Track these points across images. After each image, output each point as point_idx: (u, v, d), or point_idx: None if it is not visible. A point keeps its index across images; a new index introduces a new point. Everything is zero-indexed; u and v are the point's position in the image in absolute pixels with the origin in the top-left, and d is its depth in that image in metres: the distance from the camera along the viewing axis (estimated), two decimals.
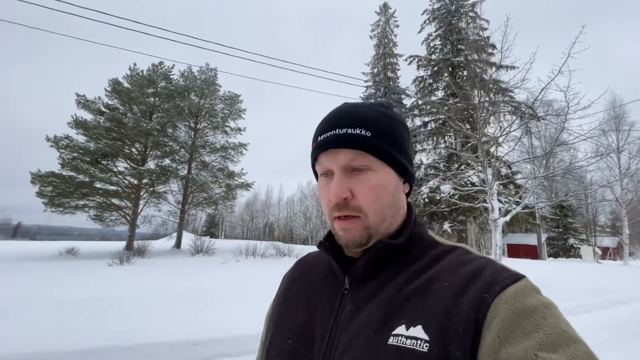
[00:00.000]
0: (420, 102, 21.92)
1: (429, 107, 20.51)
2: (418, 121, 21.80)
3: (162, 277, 8.05)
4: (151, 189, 18.11)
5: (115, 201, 17.88)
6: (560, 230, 27.83)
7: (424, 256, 0.53)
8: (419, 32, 23.37)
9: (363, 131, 0.53)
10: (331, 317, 0.52)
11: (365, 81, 25.84)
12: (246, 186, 21.45)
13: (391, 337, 0.43)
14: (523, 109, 11.06)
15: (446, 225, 16.80)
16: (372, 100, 24.73)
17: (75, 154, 16.41)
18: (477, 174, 12.29)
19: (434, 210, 15.32)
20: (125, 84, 19.08)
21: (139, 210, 18.62)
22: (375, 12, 26.69)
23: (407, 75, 24.88)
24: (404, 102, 24.61)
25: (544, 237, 20.17)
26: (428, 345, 0.41)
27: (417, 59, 22.42)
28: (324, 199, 0.55)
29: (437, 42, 22.47)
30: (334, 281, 0.57)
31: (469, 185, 13.84)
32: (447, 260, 0.51)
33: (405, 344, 0.42)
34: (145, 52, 19.28)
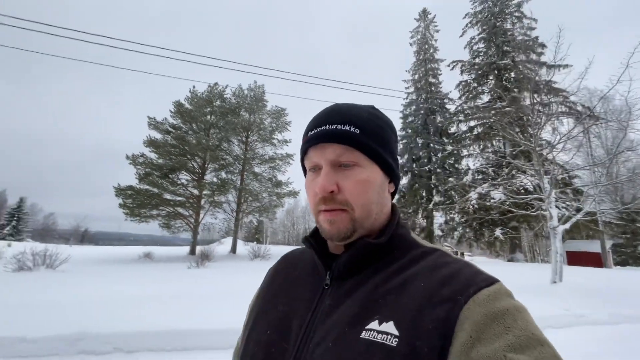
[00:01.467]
0: (464, 106, 21.68)
1: (474, 111, 20.25)
2: (463, 126, 21.54)
3: (242, 277, 9.14)
4: (211, 199, 19.90)
5: (181, 210, 19.92)
6: (628, 236, 25.51)
7: (404, 256, 0.54)
8: (461, 35, 23.21)
9: (352, 128, 0.54)
10: (310, 310, 0.53)
11: (406, 88, 26.04)
12: (293, 194, 22.69)
13: (364, 332, 0.45)
14: (583, 114, 10.79)
15: (498, 232, 16.47)
16: (414, 107, 24.78)
17: (149, 170, 18.65)
18: (530, 179, 12.09)
19: (483, 217, 15.16)
20: (187, 105, 21.28)
21: (200, 219, 20.55)
22: (415, 18, 26.86)
23: (449, 81, 24.66)
24: (447, 106, 24.40)
25: (608, 244, 18.76)
26: (397, 340, 0.42)
27: (460, 64, 22.27)
28: (311, 192, 0.56)
29: (481, 45, 22.16)
30: (316, 276, 0.58)
31: (523, 191, 13.58)
32: (425, 261, 0.52)
33: (377, 338, 0.44)
34: (203, 79, 21.32)
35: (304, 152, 0.59)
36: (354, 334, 0.46)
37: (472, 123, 21.00)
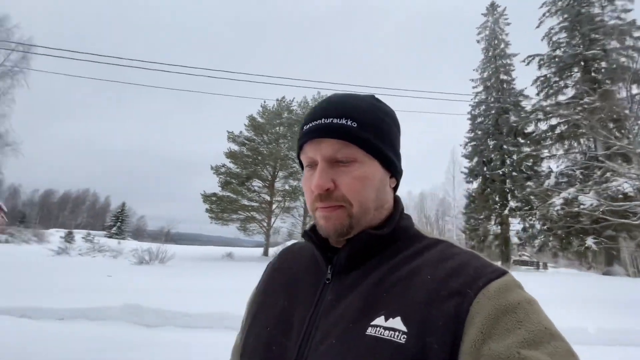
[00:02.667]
0: (544, 103, 19.91)
1: (556, 108, 18.51)
2: (543, 125, 19.79)
3: None
4: (282, 205, 21.52)
5: (255, 215, 21.90)
6: None
7: (408, 248, 0.52)
8: (537, 27, 21.39)
9: (349, 121, 0.51)
10: (311, 306, 0.51)
11: (474, 87, 24.80)
12: None
13: (370, 328, 0.43)
14: None
15: (590, 241, 14.77)
16: (483, 107, 23.48)
17: (229, 178, 20.96)
18: (631, 183, 10.72)
19: (571, 225, 13.78)
20: (259, 119, 23.38)
21: (272, 223, 22.31)
22: (482, 14, 25.51)
23: (524, 77, 22.77)
24: (522, 104, 22.62)
25: None
26: (405, 336, 0.40)
27: (537, 58, 20.54)
28: (307, 189, 0.54)
29: (562, 35, 20.17)
30: (317, 271, 0.56)
31: (621, 196, 12.09)
32: (430, 253, 0.50)
33: (383, 334, 0.42)
34: (273, 93, 23.24)
35: (299, 148, 0.56)
36: (359, 330, 0.44)
37: (554, 121, 19.18)
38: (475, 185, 23.17)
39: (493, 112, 23.09)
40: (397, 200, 0.59)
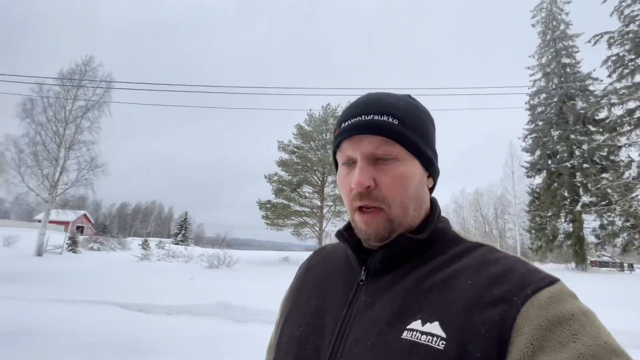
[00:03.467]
0: (618, 85, 17.83)
1: (633, 90, 16.49)
2: (618, 110, 17.72)
3: None
4: (333, 209, 22.01)
5: (307, 220, 22.68)
6: None
7: (447, 252, 0.50)
8: (604, 1, 19.28)
9: (390, 118, 0.50)
10: (345, 306, 0.50)
11: (531, 75, 23.05)
12: None
13: (405, 331, 0.42)
14: None
15: None
16: (544, 96, 21.71)
17: (281, 186, 22.03)
18: None
19: None
20: (306, 127, 24.24)
21: (323, 227, 22.90)
22: None
23: (591, 58, 20.62)
24: (591, 89, 20.46)
25: None
26: (444, 342, 0.39)
27: (606, 36, 18.51)
28: (344, 188, 0.53)
29: (636, 7, 17.93)
30: (350, 272, 0.55)
31: None
32: (471, 257, 0.47)
33: (420, 339, 0.40)
34: (320, 102, 23.98)
35: (336, 146, 0.55)
36: (394, 334, 0.42)
37: (632, 104, 17.08)
38: (538, 180, 21.44)
39: (555, 99, 21.24)
40: (433, 202, 0.58)
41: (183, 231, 53.72)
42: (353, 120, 0.51)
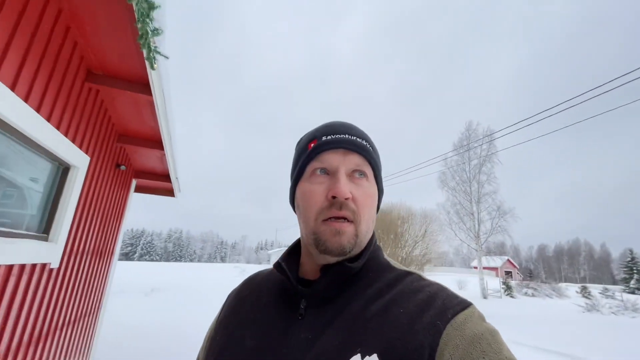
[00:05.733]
0: None
1: None
2: None
3: None
4: None
5: None
6: None
7: (380, 279, 0.52)
8: None
9: (366, 143, 0.56)
10: (283, 345, 0.48)
11: None
12: None
13: None
14: None
15: None
16: None
17: None
18: None
19: None
20: None
21: None
22: None
23: None
24: None
25: None
26: None
27: None
28: (317, 196, 0.52)
29: None
30: (287, 305, 0.54)
31: None
32: (402, 285, 0.50)
33: None
34: None
35: (316, 154, 0.55)
36: None
37: None
38: None
39: None
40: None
41: (635, 275, 40.12)
42: (340, 136, 0.54)
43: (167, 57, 2.05)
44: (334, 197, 0.51)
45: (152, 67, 1.94)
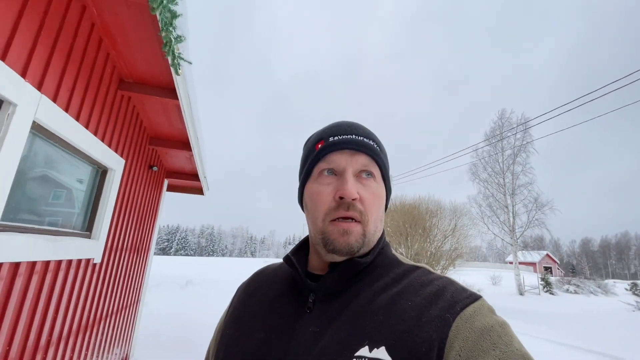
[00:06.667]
0: None
1: None
2: None
3: None
4: None
5: None
6: None
7: (388, 274, 0.53)
8: None
9: (373, 143, 0.56)
10: (291, 338, 0.49)
11: None
12: None
13: (354, 359, 0.43)
14: None
15: None
16: None
17: None
18: None
19: None
20: None
21: None
22: None
23: None
24: None
25: None
26: None
27: None
28: (324, 197, 0.53)
29: None
30: (296, 298, 0.54)
31: None
32: (409, 279, 0.51)
33: None
34: None
35: (323, 155, 0.55)
36: None
37: None
38: None
39: None
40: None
41: None
42: (347, 137, 0.55)
43: (190, 63, 2.14)
44: (341, 198, 0.51)
45: (177, 73, 2.04)
